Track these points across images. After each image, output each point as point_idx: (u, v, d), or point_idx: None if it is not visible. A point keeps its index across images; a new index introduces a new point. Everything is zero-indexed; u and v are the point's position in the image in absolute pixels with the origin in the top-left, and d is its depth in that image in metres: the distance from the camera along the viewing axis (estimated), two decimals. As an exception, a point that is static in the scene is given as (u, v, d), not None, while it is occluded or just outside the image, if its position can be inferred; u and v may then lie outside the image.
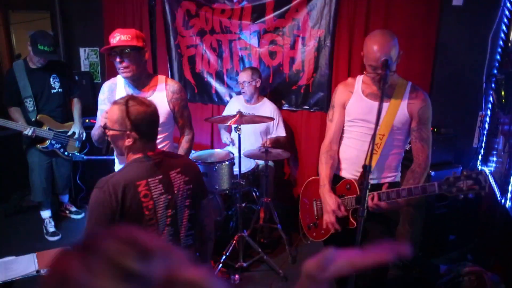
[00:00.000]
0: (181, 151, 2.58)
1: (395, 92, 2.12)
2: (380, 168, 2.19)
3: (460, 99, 3.53)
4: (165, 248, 0.60)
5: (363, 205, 1.71)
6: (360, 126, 2.19)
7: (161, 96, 2.47)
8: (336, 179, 2.25)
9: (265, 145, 3.39)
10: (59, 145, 3.73)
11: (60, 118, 3.72)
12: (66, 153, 3.79)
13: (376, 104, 2.02)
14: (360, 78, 2.26)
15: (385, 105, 2.08)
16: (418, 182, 2.04)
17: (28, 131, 3.45)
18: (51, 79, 3.63)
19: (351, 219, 2.10)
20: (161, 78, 2.54)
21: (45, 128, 3.62)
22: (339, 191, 2.20)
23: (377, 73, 1.99)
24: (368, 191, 1.73)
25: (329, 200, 2.12)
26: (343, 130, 2.29)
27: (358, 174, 2.13)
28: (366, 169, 1.71)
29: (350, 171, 2.24)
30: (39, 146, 3.63)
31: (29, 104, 3.54)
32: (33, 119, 3.58)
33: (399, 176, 2.28)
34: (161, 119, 2.40)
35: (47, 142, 3.66)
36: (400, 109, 2.10)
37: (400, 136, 2.17)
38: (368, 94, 2.18)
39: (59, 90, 3.68)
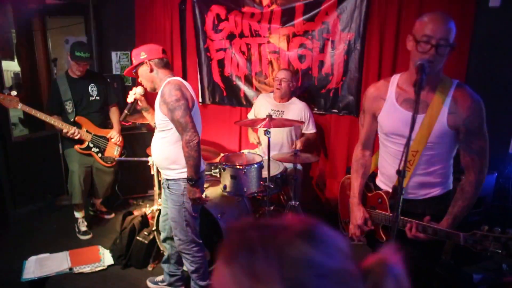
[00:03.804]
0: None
1: (435, 99, 1.79)
2: (417, 186, 1.92)
3: (496, 103, 3.42)
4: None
5: (397, 210, 1.64)
6: (396, 142, 1.91)
7: (157, 99, 2.52)
8: (374, 187, 2.14)
9: (296, 147, 3.39)
10: (97, 149, 3.87)
11: (98, 123, 3.88)
12: (103, 157, 3.91)
13: (418, 110, 1.67)
14: (395, 80, 1.92)
15: (420, 116, 1.78)
16: (468, 204, 1.82)
17: (72, 131, 3.64)
18: (90, 88, 3.85)
19: (381, 234, 1.98)
20: (167, 81, 2.50)
21: (84, 130, 3.77)
22: (371, 202, 2.07)
23: (432, 45, 1.67)
24: (401, 200, 1.64)
25: (357, 214, 2.02)
26: (379, 140, 2.05)
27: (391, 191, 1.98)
28: (400, 174, 1.61)
29: (387, 185, 2.02)
30: (77, 147, 3.77)
31: (69, 106, 3.73)
32: (72, 119, 3.74)
33: (447, 187, 1.96)
34: (155, 121, 2.55)
35: (86, 144, 3.79)
36: (438, 123, 1.78)
37: (440, 151, 1.85)
38: (403, 102, 1.85)
39: (97, 97, 3.89)
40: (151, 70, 2.51)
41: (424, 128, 1.80)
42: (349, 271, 0.57)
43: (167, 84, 2.44)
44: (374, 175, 2.17)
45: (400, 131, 1.85)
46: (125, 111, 2.73)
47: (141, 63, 2.52)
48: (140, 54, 2.51)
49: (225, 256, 0.58)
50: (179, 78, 2.55)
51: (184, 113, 2.39)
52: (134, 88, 2.68)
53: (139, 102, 2.73)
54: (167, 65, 2.58)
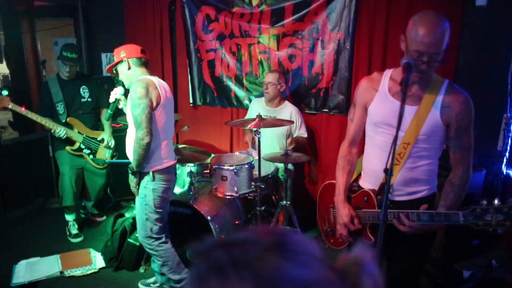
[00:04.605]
0: None
1: (427, 93, 1.81)
2: (404, 182, 1.90)
3: (484, 101, 3.45)
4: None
5: (384, 210, 1.64)
6: (385, 132, 1.89)
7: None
8: (358, 188, 2.11)
9: (286, 148, 3.39)
10: (88, 151, 3.85)
11: (90, 125, 3.86)
12: (94, 159, 3.89)
13: (405, 106, 1.72)
14: (388, 73, 1.94)
15: (413, 108, 1.81)
16: (459, 197, 1.83)
17: (60, 131, 3.62)
18: (81, 89, 3.86)
19: (369, 234, 1.94)
20: (139, 79, 2.64)
21: (75, 131, 3.74)
22: (356, 203, 2.02)
23: (422, 61, 1.69)
24: (388, 197, 1.64)
25: (342, 212, 1.98)
26: (366, 134, 2.04)
27: (376, 188, 1.96)
28: (387, 172, 1.61)
29: (372, 183, 1.99)
30: (68, 148, 3.75)
31: (60, 107, 3.74)
32: (63, 121, 3.74)
33: (433, 189, 1.97)
34: (127, 117, 2.69)
35: (77, 145, 3.78)
36: (431, 115, 1.79)
37: (430, 145, 1.86)
38: (395, 93, 1.86)
39: (88, 99, 3.90)
40: (129, 68, 2.67)
41: (417, 119, 1.81)
42: (327, 278, 0.55)
43: (136, 82, 2.57)
44: (357, 178, 2.15)
45: (390, 121, 1.85)
46: (108, 111, 2.96)
47: (120, 61, 2.68)
48: (120, 52, 2.67)
49: (194, 283, 0.54)
50: (152, 77, 2.65)
51: (142, 112, 2.49)
52: (115, 89, 2.89)
53: (120, 101, 2.92)
54: (144, 64, 2.72)
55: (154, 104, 2.55)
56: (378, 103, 1.92)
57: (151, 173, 2.64)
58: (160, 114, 2.61)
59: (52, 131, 3.64)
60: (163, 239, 2.81)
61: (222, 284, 0.50)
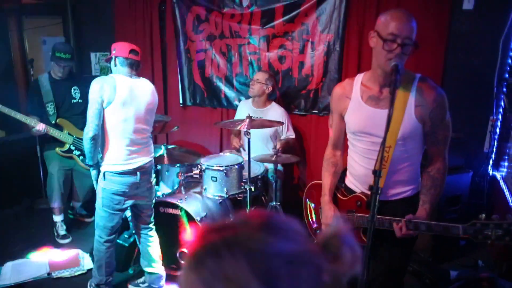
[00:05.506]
0: None
1: (400, 93, 1.79)
2: (391, 184, 1.92)
3: (471, 104, 3.51)
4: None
5: (373, 210, 1.65)
6: (363, 140, 1.91)
7: None
8: (345, 189, 2.14)
9: (277, 148, 3.40)
10: (78, 152, 3.81)
11: (80, 126, 3.81)
12: (84, 160, 3.85)
13: (378, 111, 1.80)
14: (359, 78, 1.94)
15: (386, 112, 1.75)
16: (439, 191, 1.86)
17: (40, 127, 3.53)
18: (72, 90, 3.81)
19: (362, 237, 1.95)
20: None
21: (65, 132, 3.70)
22: (348, 206, 2.03)
23: (398, 44, 1.68)
24: (378, 197, 1.65)
25: (328, 213, 2.00)
26: (348, 140, 2.07)
27: (369, 192, 1.99)
28: (376, 174, 1.63)
29: (359, 186, 2.03)
30: (58, 149, 3.71)
31: (50, 108, 3.69)
32: (53, 122, 3.70)
33: (416, 188, 1.98)
34: None
35: (67, 146, 3.73)
36: (407, 115, 1.80)
37: (412, 145, 1.87)
38: (368, 99, 1.87)
39: (79, 100, 3.84)
40: (115, 65, 2.70)
41: (393, 122, 1.78)
42: (311, 250, 0.60)
43: (97, 78, 2.63)
44: (343, 176, 2.17)
45: (367, 129, 1.87)
46: None
47: (111, 57, 2.72)
48: (113, 49, 2.72)
49: (190, 263, 0.58)
50: (120, 76, 2.65)
51: (90, 106, 2.56)
52: None
53: None
54: (130, 65, 2.70)
55: (105, 102, 2.55)
56: (353, 112, 1.93)
57: (103, 172, 2.67)
58: (113, 113, 2.58)
59: (32, 129, 3.54)
60: (102, 241, 2.79)
61: (218, 263, 0.55)
